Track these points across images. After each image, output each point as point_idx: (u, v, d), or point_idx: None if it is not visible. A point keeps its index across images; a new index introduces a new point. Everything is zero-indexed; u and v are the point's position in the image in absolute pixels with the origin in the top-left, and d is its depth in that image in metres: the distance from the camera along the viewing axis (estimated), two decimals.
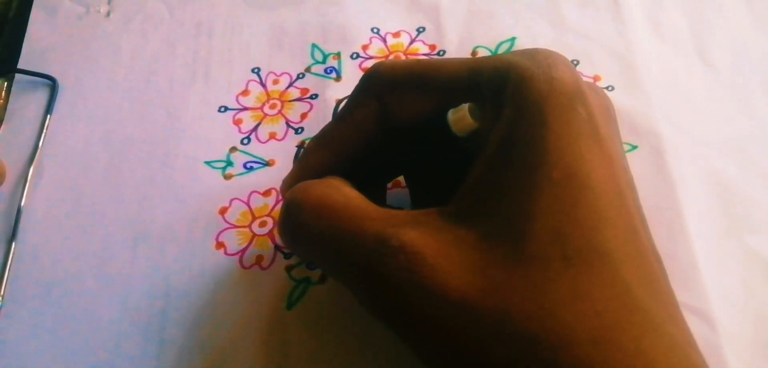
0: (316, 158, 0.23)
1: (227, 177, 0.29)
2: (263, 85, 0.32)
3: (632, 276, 0.17)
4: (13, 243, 0.27)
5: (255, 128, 0.30)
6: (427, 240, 0.18)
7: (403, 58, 0.32)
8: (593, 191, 0.18)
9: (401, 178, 0.27)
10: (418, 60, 0.22)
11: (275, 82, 0.32)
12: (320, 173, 0.22)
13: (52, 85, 0.32)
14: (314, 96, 0.31)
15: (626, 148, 0.28)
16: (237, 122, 0.30)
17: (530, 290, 0.17)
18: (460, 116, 0.20)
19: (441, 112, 0.21)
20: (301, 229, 0.21)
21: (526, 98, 0.19)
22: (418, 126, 0.22)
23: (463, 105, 0.20)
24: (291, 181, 0.24)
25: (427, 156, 0.23)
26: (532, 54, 0.20)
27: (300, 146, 0.30)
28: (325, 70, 0.32)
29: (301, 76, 0.32)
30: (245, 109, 0.31)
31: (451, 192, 0.20)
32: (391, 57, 0.32)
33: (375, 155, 0.23)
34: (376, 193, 0.22)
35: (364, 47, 0.32)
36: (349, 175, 0.22)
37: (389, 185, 0.28)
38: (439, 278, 0.17)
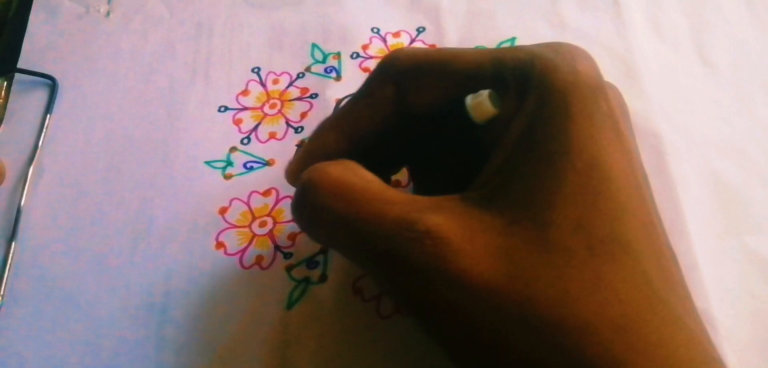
0: (328, 138, 0.23)
1: (227, 177, 0.29)
2: (263, 84, 0.32)
3: (652, 269, 0.17)
4: (13, 243, 0.27)
5: (255, 128, 0.30)
6: (451, 225, 0.18)
7: None
8: (615, 183, 0.18)
9: (401, 177, 0.27)
10: (438, 49, 0.22)
11: (275, 81, 0.32)
12: (331, 155, 0.22)
13: (52, 84, 0.31)
14: (314, 95, 0.31)
15: None
16: (237, 122, 0.30)
17: (554, 277, 0.17)
18: (480, 102, 0.20)
19: (458, 100, 0.21)
20: (318, 212, 0.20)
21: (550, 88, 0.19)
22: (433, 113, 0.22)
23: (483, 91, 0.20)
24: (300, 162, 0.23)
25: (438, 145, 0.23)
26: (556, 47, 0.20)
27: (300, 145, 0.30)
28: (325, 70, 0.32)
29: (301, 75, 0.32)
30: (245, 108, 0.31)
31: (458, 184, 0.20)
32: None
33: (387, 141, 0.23)
34: (384, 181, 0.22)
35: (364, 47, 0.32)
36: (360, 159, 0.22)
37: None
38: (464, 263, 0.17)
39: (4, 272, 0.26)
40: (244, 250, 0.27)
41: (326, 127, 0.24)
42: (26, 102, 0.31)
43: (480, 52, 0.21)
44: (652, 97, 0.30)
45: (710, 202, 0.27)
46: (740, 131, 0.29)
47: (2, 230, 0.28)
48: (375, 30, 0.33)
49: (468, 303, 0.17)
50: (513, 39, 0.32)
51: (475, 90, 0.20)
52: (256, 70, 0.32)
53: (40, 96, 0.31)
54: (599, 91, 0.19)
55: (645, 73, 0.31)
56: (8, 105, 0.31)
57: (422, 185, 0.25)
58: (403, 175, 0.27)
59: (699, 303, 0.24)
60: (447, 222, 0.18)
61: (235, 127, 0.30)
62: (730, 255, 0.26)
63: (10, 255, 0.27)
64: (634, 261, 0.17)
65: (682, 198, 0.27)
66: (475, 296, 0.17)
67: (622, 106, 0.22)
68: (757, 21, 0.33)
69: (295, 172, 0.24)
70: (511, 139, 0.19)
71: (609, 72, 0.30)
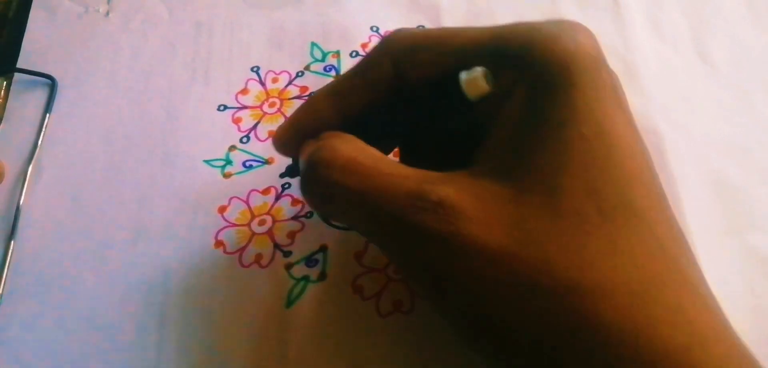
0: (323, 106, 0.23)
1: (226, 175, 0.29)
2: (262, 83, 0.32)
3: (666, 236, 0.17)
4: (12, 242, 0.27)
5: (254, 127, 0.30)
6: (464, 196, 0.18)
7: None
8: (622, 151, 0.18)
9: None
10: (438, 28, 0.22)
11: (274, 80, 0.32)
12: (324, 122, 0.22)
13: (52, 84, 0.31)
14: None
15: None
16: (236, 120, 0.30)
17: (567, 242, 0.17)
18: (474, 78, 0.20)
19: (453, 76, 0.21)
20: (332, 188, 0.20)
21: (552, 59, 0.19)
22: (429, 89, 0.22)
23: (477, 68, 0.20)
24: (289, 130, 0.24)
25: (430, 123, 0.23)
26: (557, 21, 0.20)
27: None
28: (325, 69, 0.32)
29: (300, 74, 0.32)
30: (244, 107, 0.31)
31: (448, 164, 0.20)
32: None
33: (381, 116, 0.23)
34: None
35: (364, 46, 0.32)
36: (353, 131, 0.22)
37: None
38: (477, 230, 0.17)
39: (3, 271, 0.26)
40: (243, 249, 0.27)
41: (319, 97, 0.23)
42: (26, 101, 0.31)
43: (480, 29, 0.21)
44: (652, 96, 0.30)
45: (711, 201, 0.27)
46: (740, 130, 0.29)
47: (1, 229, 0.28)
48: (374, 29, 0.33)
49: (482, 271, 0.17)
50: None
51: (471, 66, 0.20)
52: (255, 69, 0.32)
53: (40, 95, 0.31)
54: (601, 61, 0.19)
55: (645, 72, 0.31)
56: (8, 104, 0.31)
57: (412, 165, 0.24)
58: None
59: None
60: (459, 192, 0.18)
61: (235, 126, 0.30)
62: (731, 253, 0.26)
63: (9, 254, 0.27)
64: (647, 227, 0.17)
65: (682, 196, 0.27)
66: (488, 263, 0.17)
67: (620, 85, 0.22)
68: (757, 20, 0.33)
69: (283, 139, 0.24)
70: (513, 110, 0.19)
71: None
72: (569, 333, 0.16)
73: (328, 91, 0.23)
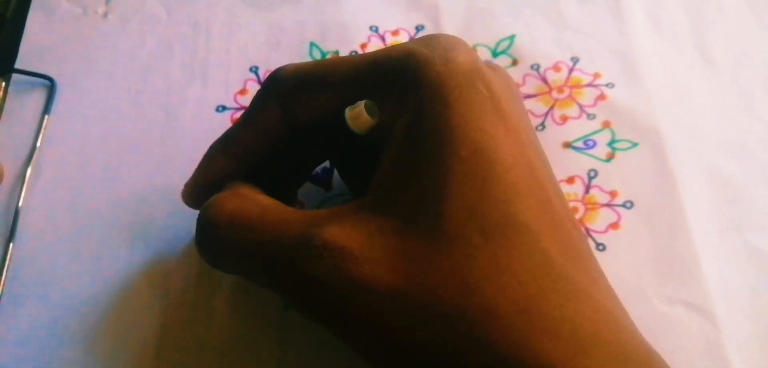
0: (219, 163, 0.23)
1: None
2: (261, 83, 0.32)
3: (551, 245, 0.18)
4: (11, 244, 0.27)
5: None
6: (349, 234, 0.18)
7: None
8: (502, 165, 0.18)
9: None
10: (320, 60, 0.22)
11: None
12: (223, 178, 0.23)
13: (50, 85, 0.31)
14: None
15: (627, 145, 0.28)
16: (235, 121, 0.30)
17: (453, 268, 0.17)
18: (357, 113, 0.20)
19: (343, 108, 0.21)
20: (220, 245, 0.21)
21: (425, 82, 0.19)
22: (322, 125, 0.22)
23: (360, 102, 0.20)
24: (192, 187, 0.24)
25: (337, 152, 0.23)
26: (428, 40, 0.20)
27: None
28: None
29: None
30: (243, 108, 0.31)
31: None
32: None
33: (281, 157, 0.23)
34: (285, 195, 0.22)
35: (363, 46, 0.32)
36: (255, 178, 0.22)
37: None
38: (365, 270, 0.17)
39: (1, 273, 0.26)
40: None
41: (215, 152, 0.24)
42: (24, 102, 0.31)
43: (358, 58, 0.22)
44: (652, 94, 0.30)
45: (711, 199, 0.27)
46: (741, 128, 0.29)
47: (0, 231, 0.28)
48: (373, 28, 0.33)
49: (373, 309, 0.17)
50: (512, 36, 0.32)
51: (354, 99, 0.21)
52: (254, 70, 0.32)
53: (38, 96, 0.31)
54: (476, 75, 0.19)
55: (646, 70, 0.31)
56: (6, 105, 0.31)
57: (353, 186, 0.25)
58: None
59: (701, 300, 0.24)
60: (344, 232, 0.18)
61: None
62: (731, 252, 0.26)
63: (8, 256, 0.27)
64: (531, 240, 0.17)
65: (683, 195, 0.27)
66: (379, 299, 0.17)
67: (509, 87, 0.22)
68: (758, 18, 0.33)
69: (188, 197, 0.24)
70: (396, 140, 0.19)
71: (609, 69, 0.31)
72: (462, 358, 0.16)
73: (223, 146, 0.23)
